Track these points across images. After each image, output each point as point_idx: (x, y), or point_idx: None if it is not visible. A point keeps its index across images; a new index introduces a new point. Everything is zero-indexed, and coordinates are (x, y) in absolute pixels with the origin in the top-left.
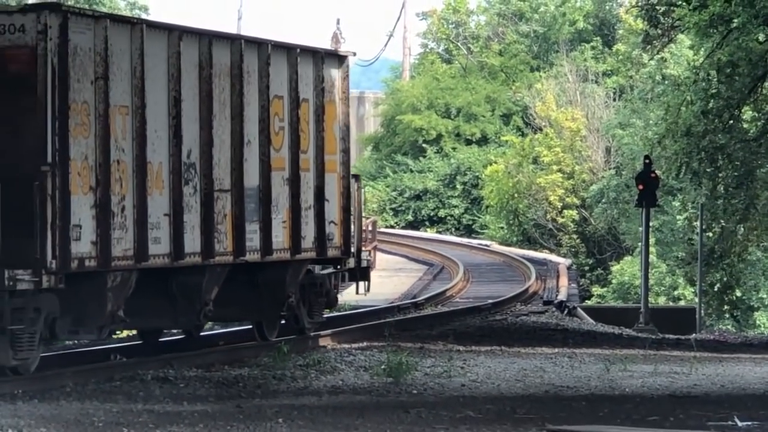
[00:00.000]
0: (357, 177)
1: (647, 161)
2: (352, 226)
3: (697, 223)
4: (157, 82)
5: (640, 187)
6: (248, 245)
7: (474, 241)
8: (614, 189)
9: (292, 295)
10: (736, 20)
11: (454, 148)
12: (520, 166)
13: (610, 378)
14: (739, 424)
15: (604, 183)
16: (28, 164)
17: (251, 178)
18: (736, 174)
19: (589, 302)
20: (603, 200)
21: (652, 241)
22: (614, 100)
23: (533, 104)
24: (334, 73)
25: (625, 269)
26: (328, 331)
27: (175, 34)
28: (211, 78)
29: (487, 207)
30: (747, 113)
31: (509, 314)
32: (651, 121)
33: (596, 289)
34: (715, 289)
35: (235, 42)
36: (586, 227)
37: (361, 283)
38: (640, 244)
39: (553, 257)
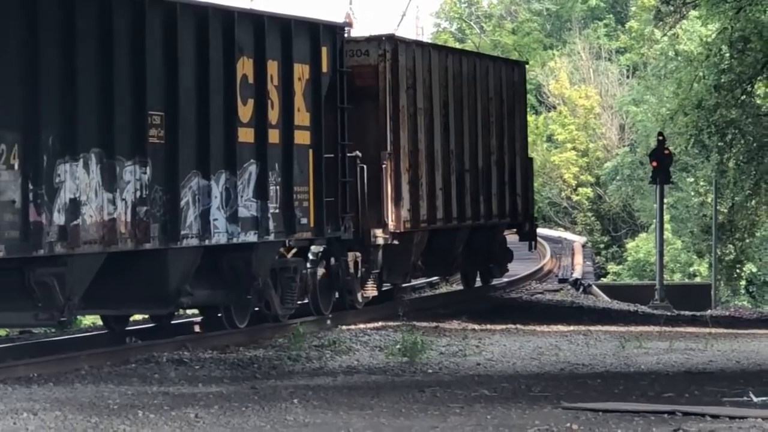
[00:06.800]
0: (531, 159)
1: (660, 138)
2: (529, 198)
3: (709, 199)
4: (435, 89)
5: (654, 164)
6: (479, 212)
7: None
8: (628, 166)
9: (495, 253)
10: None
11: None
12: (534, 144)
13: (625, 355)
14: (755, 399)
15: (619, 160)
16: (374, 151)
17: (480, 161)
18: (746, 149)
19: (604, 280)
20: (617, 178)
21: (666, 217)
22: (627, 77)
23: (546, 82)
24: (518, 78)
25: (640, 246)
26: (344, 312)
27: (444, 51)
28: (461, 85)
29: None
30: (760, 89)
31: (524, 292)
32: (665, 98)
33: (612, 267)
34: (724, 262)
35: (470, 55)
36: (600, 205)
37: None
38: (654, 221)
39: (568, 235)
